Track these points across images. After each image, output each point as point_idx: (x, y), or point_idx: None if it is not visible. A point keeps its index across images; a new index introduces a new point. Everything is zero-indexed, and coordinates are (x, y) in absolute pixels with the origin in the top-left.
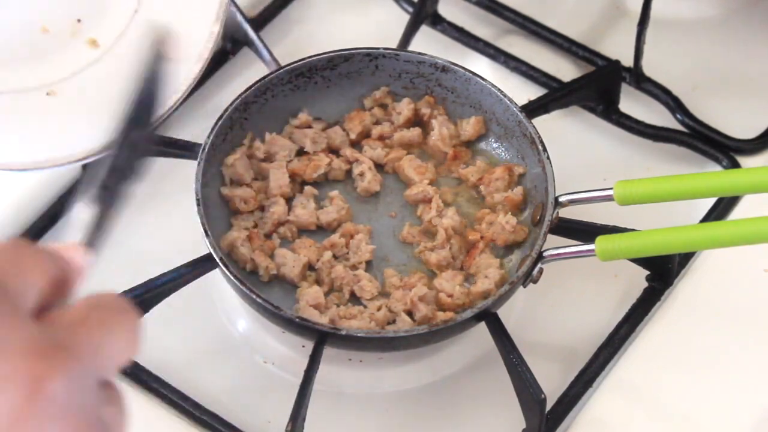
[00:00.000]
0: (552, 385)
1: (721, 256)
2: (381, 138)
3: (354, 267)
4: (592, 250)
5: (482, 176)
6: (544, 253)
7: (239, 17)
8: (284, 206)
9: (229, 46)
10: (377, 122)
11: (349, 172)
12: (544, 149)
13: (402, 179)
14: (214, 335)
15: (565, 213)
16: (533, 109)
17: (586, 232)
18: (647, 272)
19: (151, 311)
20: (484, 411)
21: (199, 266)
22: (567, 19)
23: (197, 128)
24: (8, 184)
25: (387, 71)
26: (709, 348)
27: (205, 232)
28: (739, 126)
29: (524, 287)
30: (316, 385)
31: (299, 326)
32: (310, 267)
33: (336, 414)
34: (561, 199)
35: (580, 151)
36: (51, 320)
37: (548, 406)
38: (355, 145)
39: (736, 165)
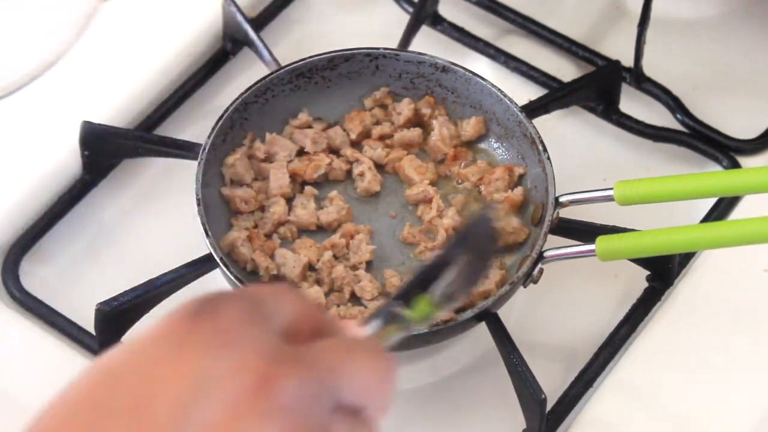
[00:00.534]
0: (552, 385)
1: (722, 256)
2: (381, 138)
3: (354, 267)
4: (593, 251)
5: (482, 176)
6: (545, 254)
7: (239, 17)
8: (284, 206)
9: (229, 46)
10: (377, 122)
11: (349, 173)
12: (545, 149)
13: (402, 179)
14: None
15: (565, 213)
16: (533, 109)
17: (586, 232)
18: (647, 272)
19: (151, 311)
20: (484, 411)
21: (200, 266)
22: (567, 19)
23: (197, 128)
24: (8, 185)
25: (387, 71)
26: (710, 348)
27: (206, 232)
28: (739, 126)
29: (524, 287)
30: None
31: None
32: (310, 267)
33: None
34: (561, 200)
35: (581, 151)
36: (298, 342)
37: (548, 407)
38: (356, 145)
39: (736, 165)
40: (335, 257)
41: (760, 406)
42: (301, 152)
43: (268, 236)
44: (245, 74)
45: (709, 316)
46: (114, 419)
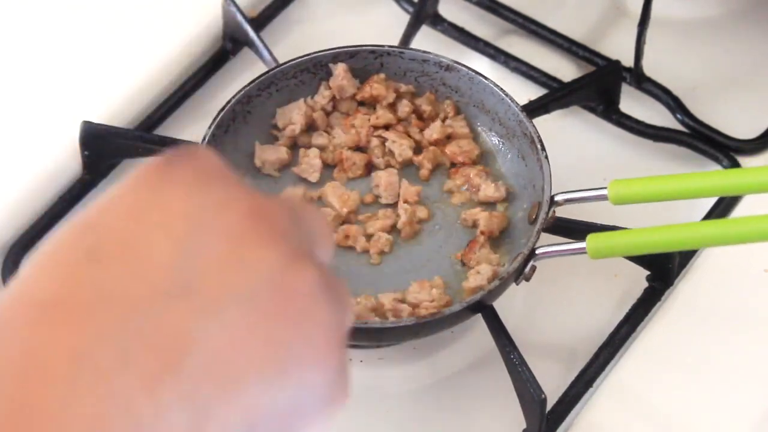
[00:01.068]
0: (552, 385)
1: (722, 256)
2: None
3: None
4: (584, 248)
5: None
6: (536, 251)
7: (239, 17)
8: None
9: (229, 46)
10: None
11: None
12: (543, 148)
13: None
14: None
15: (565, 213)
16: (533, 109)
17: (581, 230)
18: (647, 272)
19: None
20: (484, 411)
21: None
22: (567, 19)
23: (197, 128)
24: (8, 185)
25: (392, 69)
26: (710, 347)
27: None
28: (739, 126)
29: (517, 284)
30: None
31: None
32: None
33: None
34: (557, 198)
35: (581, 151)
36: None
37: (548, 407)
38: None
39: (736, 165)
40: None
41: (761, 405)
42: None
43: None
44: (245, 74)
45: (709, 316)
46: (107, 267)
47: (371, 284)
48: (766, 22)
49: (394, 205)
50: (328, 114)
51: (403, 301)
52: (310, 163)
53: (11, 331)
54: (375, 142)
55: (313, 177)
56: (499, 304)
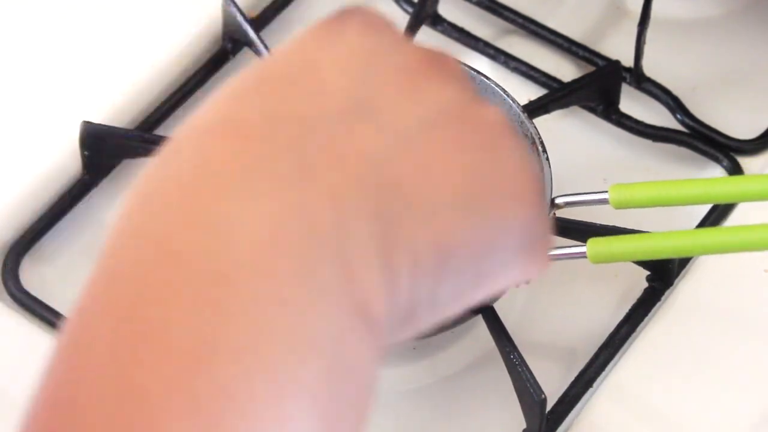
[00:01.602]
0: (552, 385)
1: (722, 257)
2: None
3: None
4: (584, 253)
5: None
6: None
7: (239, 17)
8: None
9: (229, 47)
10: None
11: None
12: (544, 150)
13: None
14: None
15: (565, 213)
16: (534, 109)
17: (580, 231)
18: (647, 272)
19: None
20: (484, 411)
21: None
22: (567, 19)
23: None
24: (8, 185)
25: None
26: (710, 348)
27: None
28: (739, 126)
29: (517, 286)
30: None
31: None
32: None
33: None
34: (557, 201)
35: (580, 151)
36: None
37: (548, 407)
38: None
39: (736, 165)
40: None
41: (761, 405)
42: None
43: None
44: None
45: (709, 316)
46: (281, 91)
47: None
48: (765, 22)
49: None
50: None
51: None
52: None
53: (180, 149)
54: None
55: None
56: (499, 305)
